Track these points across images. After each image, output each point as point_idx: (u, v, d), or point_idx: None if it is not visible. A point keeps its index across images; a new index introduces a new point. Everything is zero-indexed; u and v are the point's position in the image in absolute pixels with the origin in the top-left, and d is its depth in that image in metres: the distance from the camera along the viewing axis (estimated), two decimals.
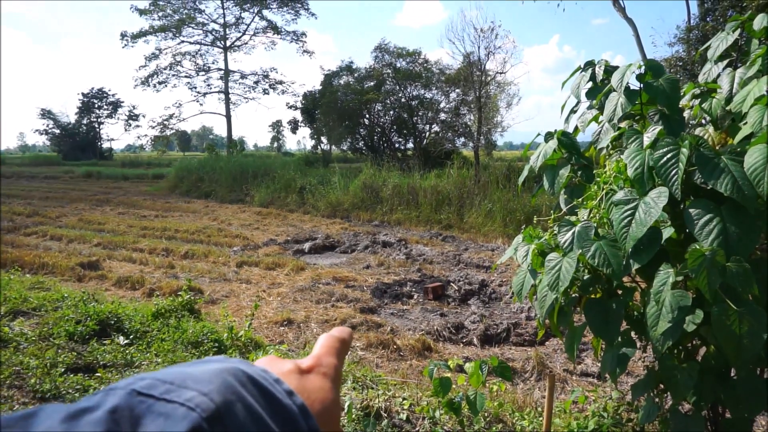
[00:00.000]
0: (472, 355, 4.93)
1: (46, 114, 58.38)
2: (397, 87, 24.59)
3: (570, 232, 2.05)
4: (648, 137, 1.98)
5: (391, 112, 25.62)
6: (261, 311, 5.88)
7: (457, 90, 22.46)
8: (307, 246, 9.76)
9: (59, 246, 9.91)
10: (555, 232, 2.22)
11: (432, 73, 24.28)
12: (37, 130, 60.51)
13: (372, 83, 25.01)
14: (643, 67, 2.20)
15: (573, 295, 2.21)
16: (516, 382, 4.29)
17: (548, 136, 2.54)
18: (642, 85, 2.20)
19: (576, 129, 2.71)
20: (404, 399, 3.20)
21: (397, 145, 26.58)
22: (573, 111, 2.76)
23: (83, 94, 59.93)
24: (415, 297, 6.75)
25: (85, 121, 59.76)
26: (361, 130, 26.24)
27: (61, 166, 40.40)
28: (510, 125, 18.47)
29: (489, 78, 16.85)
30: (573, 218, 2.16)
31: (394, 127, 25.75)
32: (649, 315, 1.73)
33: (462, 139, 23.22)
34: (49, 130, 59.03)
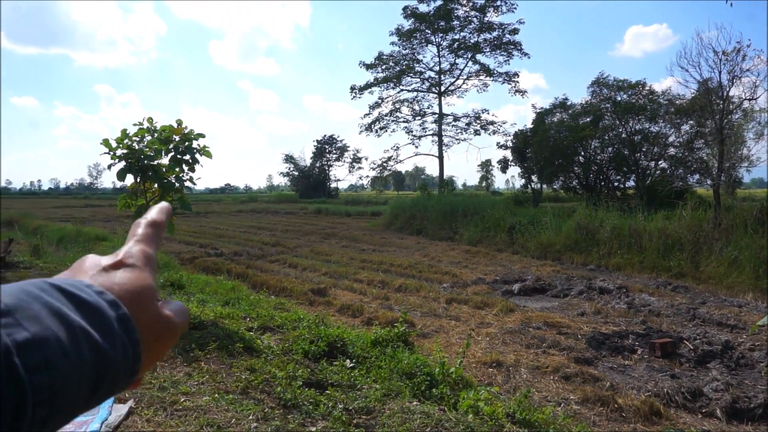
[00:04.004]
0: (714, 429, 4.19)
1: (288, 159, 68.64)
2: (617, 122, 22.92)
3: None
4: None
5: (610, 149, 23.90)
6: (469, 350, 5.88)
7: (691, 122, 19.98)
8: (516, 287, 9.53)
9: (295, 273, 11.38)
10: None
11: (659, 105, 22.10)
12: (281, 173, 71.63)
13: (588, 119, 23.78)
14: None
15: None
16: None
17: None
18: None
19: None
20: None
21: (615, 184, 24.62)
22: None
23: (317, 141, 69.11)
24: (639, 352, 6.04)
25: (317, 164, 68.59)
26: (575, 168, 24.97)
27: (298, 203, 46.82)
28: (762, 159, 15.66)
29: (733, 106, 14.63)
30: None
31: (613, 164, 23.92)
32: None
33: (696, 176, 20.45)
34: (290, 172, 69.21)
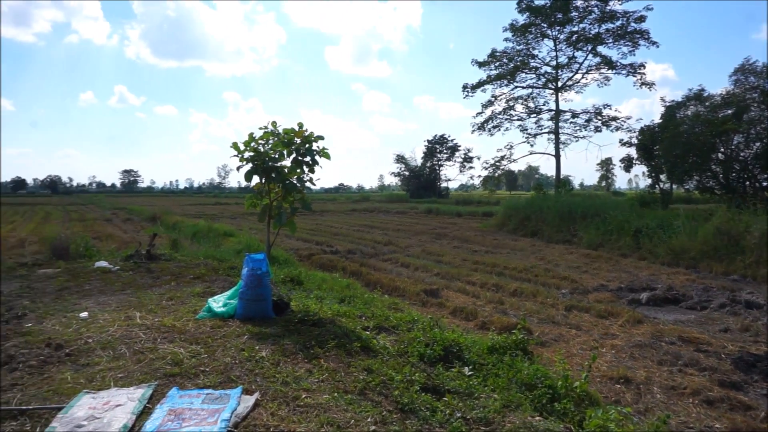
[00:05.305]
0: None
1: (399, 159, 69.56)
2: (767, 113, 20.33)
3: None
4: None
5: (757, 144, 21.27)
6: (593, 363, 5.48)
7: None
8: (644, 296, 8.77)
9: (407, 272, 11.43)
10: None
11: None
12: (392, 173, 72.82)
13: (730, 111, 21.37)
14: None
15: None
16: None
17: None
18: None
19: None
20: None
21: (764, 184, 21.87)
22: None
23: (428, 140, 69.32)
24: None
25: (428, 164, 68.76)
26: (713, 166, 22.55)
27: (408, 203, 47.30)
28: None
29: None
30: None
31: (761, 161, 21.25)
32: None
33: None
34: (401, 172, 70.12)
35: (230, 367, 3.64)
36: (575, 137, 37.49)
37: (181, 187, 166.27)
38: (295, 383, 3.37)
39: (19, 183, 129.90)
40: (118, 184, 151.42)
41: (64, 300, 5.80)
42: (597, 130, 36.58)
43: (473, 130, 40.55)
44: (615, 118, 35.54)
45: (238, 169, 6.15)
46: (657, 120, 26.49)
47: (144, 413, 2.94)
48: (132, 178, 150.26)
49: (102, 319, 4.90)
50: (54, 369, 3.59)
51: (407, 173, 69.27)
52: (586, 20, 34.96)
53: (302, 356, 3.92)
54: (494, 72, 38.29)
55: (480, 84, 38.69)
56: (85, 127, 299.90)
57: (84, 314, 5.06)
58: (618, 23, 34.03)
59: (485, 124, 39.60)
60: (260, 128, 6.14)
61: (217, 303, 5.24)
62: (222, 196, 78.87)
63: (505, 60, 37.86)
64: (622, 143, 30.23)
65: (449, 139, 68.64)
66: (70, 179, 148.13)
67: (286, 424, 2.81)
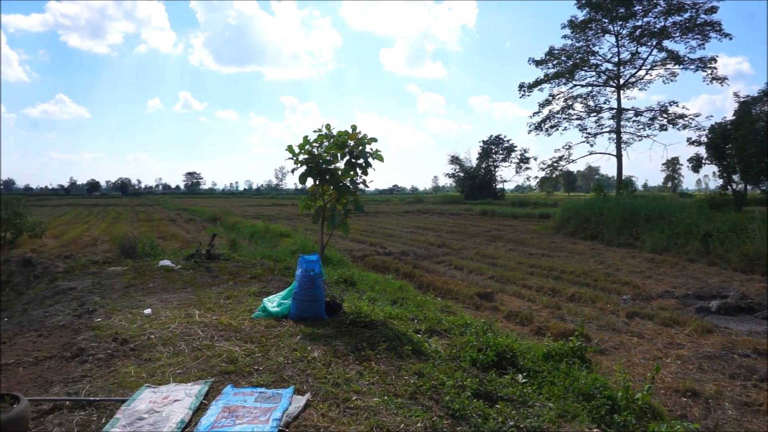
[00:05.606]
0: None
1: (454, 160, 69.04)
2: None
3: None
4: None
5: None
6: (657, 373, 5.21)
7: None
8: (714, 304, 8.28)
9: (461, 275, 11.30)
10: None
11: None
12: (447, 174, 72.42)
13: None
14: None
15: None
16: None
17: None
18: None
19: None
20: None
21: None
22: None
23: (483, 141, 68.48)
24: None
25: (483, 165, 67.87)
26: None
27: (462, 205, 46.87)
28: None
29: None
30: None
31: None
32: None
33: None
34: (455, 174, 69.58)
35: (283, 367, 3.70)
36: (638, 136, 35.96)
37: (241, 188, 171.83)
38: (345, 385, 3.38)
39: (93, 185, 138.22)
40: (182, 185, 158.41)
41: (130, 297, 6.10)
42: (662, 128, 34.89)
43: (530, 130, 39.69)
44: (682, 116, 33.76)
45: (293, 171, 6.24)
46: (729, 117, 25.06)
47: (200, 409, 3.03)
48: (195, 180, 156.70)
49: (164, 316, 5.12)
50: (119, 363, 3.77)
51: (462, 174, 68.64)
52: (650, 14, 33.49)
53: (353, 358, 3.93)
54: (552, 70, 37.32)
55: (537, 83, 37.79)
56: (153, 132, 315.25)
57: (148, 311, 5.30)
58: (686, 15, 32.38)
59: (542, 124, 38.66)
60: (314, 131, 6.21)
61: (272, 303, 5.35)
62: (279, 198, 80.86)
63: (563, 58, 36.83)
64: (691, 142, 28.80)
65: (505, 139, 67.61)
66: (139, 181, 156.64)
67: (336, 425, 2.82)
